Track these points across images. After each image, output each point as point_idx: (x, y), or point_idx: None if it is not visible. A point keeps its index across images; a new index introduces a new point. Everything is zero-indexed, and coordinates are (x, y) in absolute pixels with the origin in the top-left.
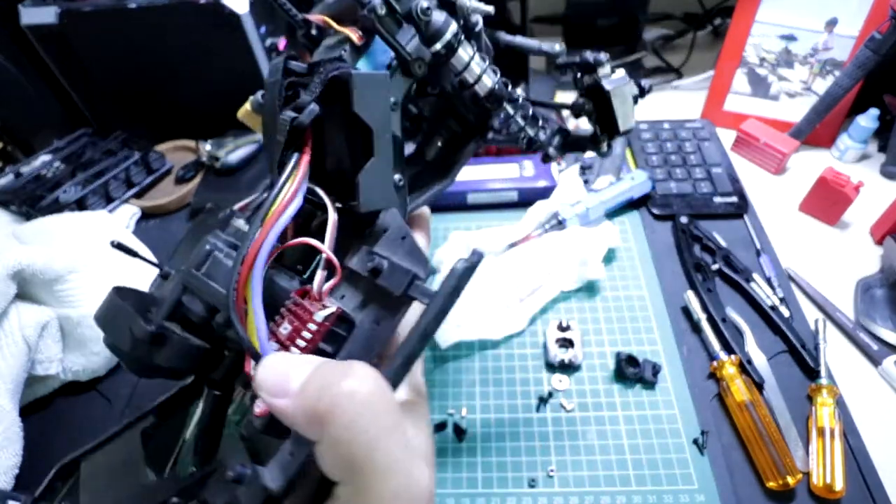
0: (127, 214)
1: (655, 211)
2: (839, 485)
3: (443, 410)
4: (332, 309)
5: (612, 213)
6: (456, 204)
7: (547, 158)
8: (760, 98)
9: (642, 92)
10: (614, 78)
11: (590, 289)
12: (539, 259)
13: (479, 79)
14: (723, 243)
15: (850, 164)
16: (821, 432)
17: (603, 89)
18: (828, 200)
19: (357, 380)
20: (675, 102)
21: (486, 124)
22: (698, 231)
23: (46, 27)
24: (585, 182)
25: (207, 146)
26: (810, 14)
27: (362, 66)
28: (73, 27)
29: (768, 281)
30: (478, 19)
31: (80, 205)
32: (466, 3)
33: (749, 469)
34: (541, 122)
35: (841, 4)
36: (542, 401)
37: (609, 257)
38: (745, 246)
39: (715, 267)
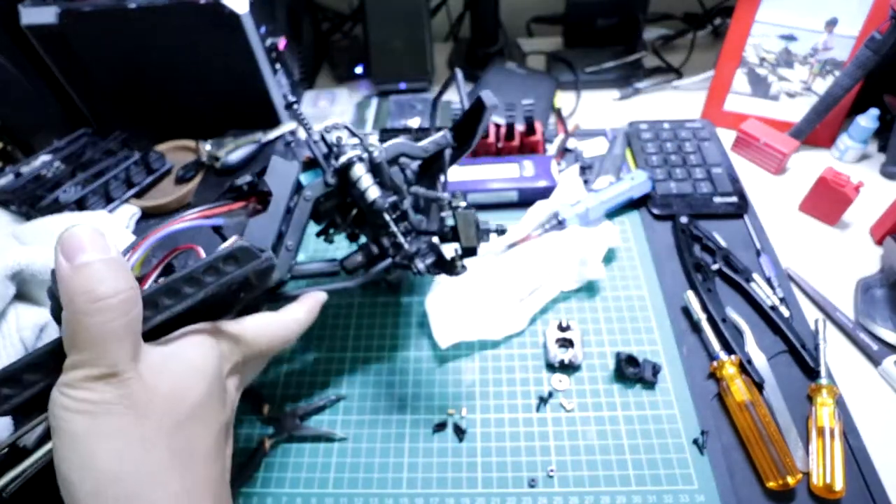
0: (127, 214)
1: (655, 211)
2: (839, 485)
3: (443, 410)
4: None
5: (612, 213)
6: None
7: (418, 272)
8: (760, 98)
9: (498, 232)
10: (462, 206)
11: (590, 289)
12: (539, 259)
13: (365, 191)
14: (723, 243)
15: (850, 164)
16: (821, 432)
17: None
18: (828, 200)
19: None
20: (675, 102)
21: (397, 252)
22: (698, 231)
23: (46, 27)
24: (585, 182)
25: (207, 146)
26: (810, 14)
27: (307, 174)
28: (73, 27)
29: (768, 281)
30: (379, 155)
31: (80, 205)
32: (367, 142)
33: (749, 469)
34: (420, 244)
35: (841, 4)
36: (542, 401)
37: (609, 257)
38: (745, 246)
39: (715, 267)
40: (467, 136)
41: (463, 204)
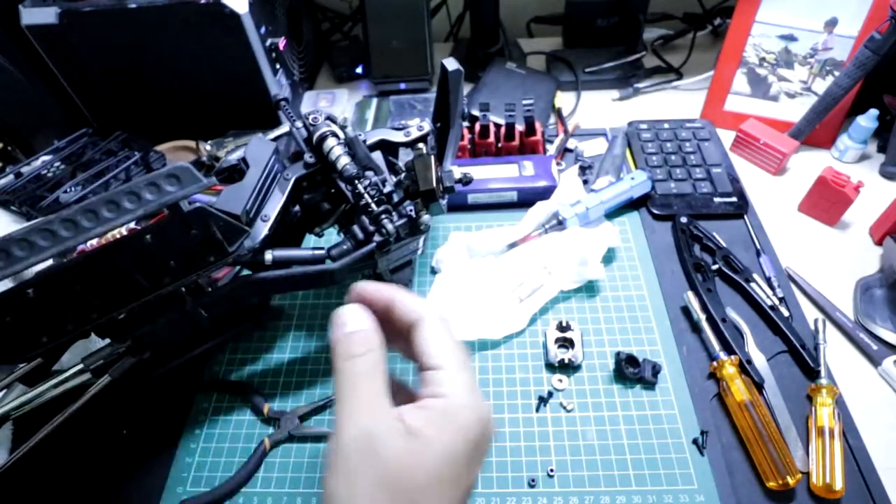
0: None
1: (655, 211)
2: (839, 484)
3: None
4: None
5: (612, 213)
6: (456, 204)
7: (388, 234)
8: (760, 98)
9: (464, 182)
10: (424, 153)
11: (590, 289)
12: (539, 259)
13: (338, 159)
14: (723, 243)
15: (849, 165)
16: (820, 432)
17: (415, 157)
18: (827, 200)
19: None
20: (675, 102)
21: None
22: (698, 231)
23: (46, 27)
24: (585, 182)
25: (207, 146)
26: (810, 14)
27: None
28: (73, 27)
29: (768, 281)
30: (351, 131)
31: None
32: (338, 119)
33: (749, 469)
34: (395, 216)
35: (841, 4)
36: (542, 401)
37: (609, 257)
38: (745, 246)
39: (715, 267)
40: (446, 109)
41: (425, 151)
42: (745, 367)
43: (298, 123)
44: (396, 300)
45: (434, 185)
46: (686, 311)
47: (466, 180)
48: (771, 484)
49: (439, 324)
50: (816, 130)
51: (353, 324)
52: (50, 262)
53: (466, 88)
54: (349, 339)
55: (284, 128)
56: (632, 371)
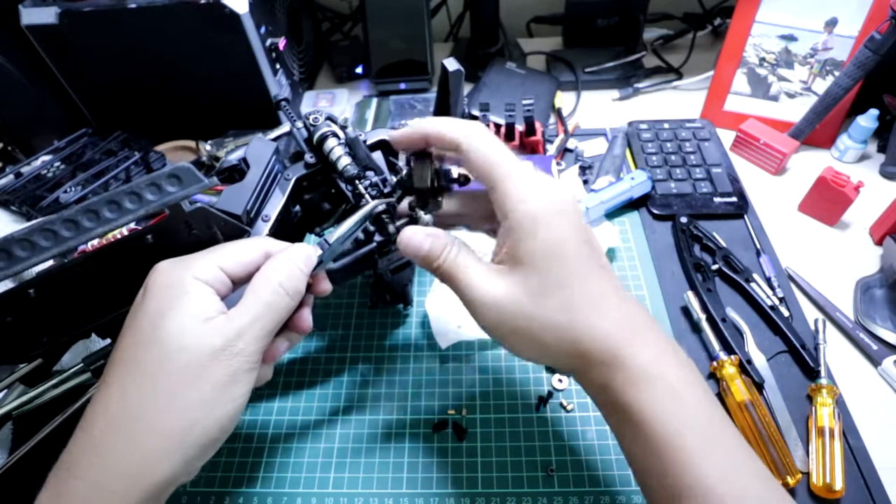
0: None
1: (655, 211)
2: (839, 485)
3: (443, 410)
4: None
5: (612, 213)
6: None
7: (388, 235)
8: (760, 98)
9: (460, 181)
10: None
11: None
12: None
13: (338, 160)
14: (723, 243)
15: (849, 165)
16: (820, 432)
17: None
18: (827, 200)
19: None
20: (675, 102)
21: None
22: (698, 231)
23: (46, 27)
24: (585, 182)
25: (207, 146)
26: (810, 14)
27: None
28: (73, 27)
29: (768, 281)
30: (352, 131)
31: None
32: (339, 119)
33: None
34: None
35: (841, 4)
36: (542, 401)
37: (609, 257)
38: (745, 246)
39: (715, 267)
40: (446, 110)
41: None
42: (745, 367)
43: (299, 123)
44: (434, 132)
45: (428, 184)
46: (686, 311)
47: (463, 180)
48: None
49: (481, 138)
50: (816, 130)
51: (420, 246)
52: (51, 262)
53: (466, 88)
54: (429, 254)
55: (285, 128)
56: None
